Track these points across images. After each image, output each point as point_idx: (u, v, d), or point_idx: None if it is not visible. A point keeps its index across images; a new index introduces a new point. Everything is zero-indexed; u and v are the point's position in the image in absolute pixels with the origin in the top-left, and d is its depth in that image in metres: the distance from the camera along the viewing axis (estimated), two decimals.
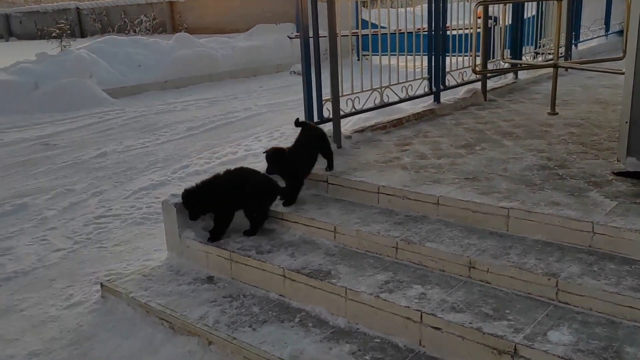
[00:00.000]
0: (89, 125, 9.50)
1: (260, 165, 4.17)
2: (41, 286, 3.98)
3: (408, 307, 2.73)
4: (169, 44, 14.85)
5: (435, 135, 5.11)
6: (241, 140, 8.26)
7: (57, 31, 13.54)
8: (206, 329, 2.98)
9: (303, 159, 3.98)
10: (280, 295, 3.27)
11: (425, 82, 5.98)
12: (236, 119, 9.80)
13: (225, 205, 3.67)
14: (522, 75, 7.75)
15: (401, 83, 5.66)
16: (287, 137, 8.37)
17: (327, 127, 4.89)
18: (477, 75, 6.71)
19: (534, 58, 8.22)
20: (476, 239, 3.19)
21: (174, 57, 14.07)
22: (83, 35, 27.22)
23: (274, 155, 3.84)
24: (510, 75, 7.65)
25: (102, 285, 3.60)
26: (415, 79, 5.85)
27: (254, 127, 9.20)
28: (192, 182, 4.65)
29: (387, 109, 5.76)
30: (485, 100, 6.57)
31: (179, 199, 3.78)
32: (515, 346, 2.39)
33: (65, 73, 11.66)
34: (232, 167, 3.90)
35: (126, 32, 24.51)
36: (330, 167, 4.12)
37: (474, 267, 2.96)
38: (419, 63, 6.16)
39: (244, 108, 10.69)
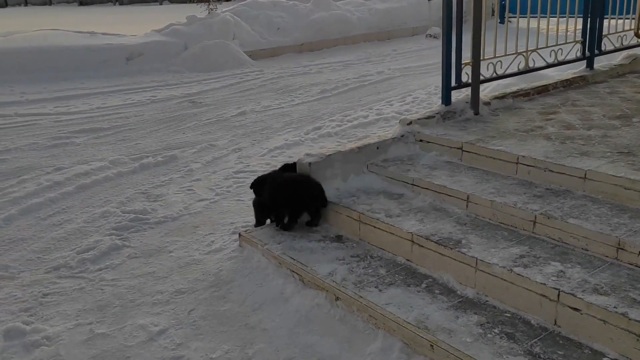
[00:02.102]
0: (231, 85, 10.03)
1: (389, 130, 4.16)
2: (187, 231, 4.35)
3: (544, 284, 2.59)
4: (307, 6, 15.06)
5: (586, 104, 4.70)
6: (373, 104, 8.24)
7: None
8: (334, 285, 3.08)
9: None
10: (407, 259, 3.27)
11: (578, 47, 5.48)
12: (369, 82, 9.78)
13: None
14: None
15: (550, 47, 5.24)
16: (419, 102, 8.21)
17: (466, 92, 4.72)
18: (639, 40, 6.04)
19: None
20: (627, 218, 2.92)
21: (310, 19, 14.27)
22: None
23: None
24: None
25: (239, 235, 3.85)
26: (566, 42, 5.38)
27: (386, 91, 9.13)
28: (323, 144, 4.74)
29: (531, 75, 5.42)
30: None
31: (312, 159, 3.89)
32: None
33: (211, 35, 12.35)
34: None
35: None
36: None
37: (622, 249, 2.72)
38: (572, 27, 5.66)
39: (377, 72, 10.62)
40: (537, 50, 5.14)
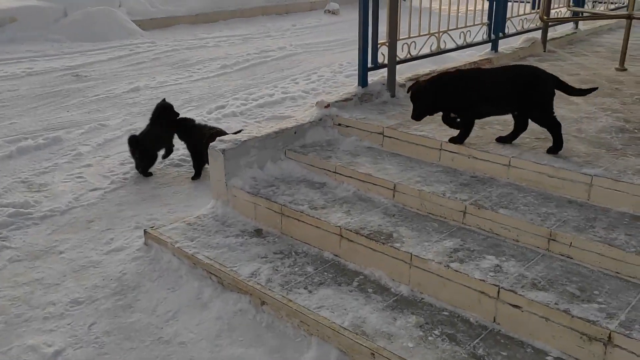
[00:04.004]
0: (120, 57, 9.20)
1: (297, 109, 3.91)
2: (79, 227, 3.82)
3: (483, 280, 2.49)
4: None
5: None
6: (277, 82, 7.92)
7: None
8: (259, 287, 2.80)
9: None
10: (335, 255, 3.06)
11: (484, 29, 5.53)
12: (270, 58, 9.41)
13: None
14: (582, 26, 7.19)
15: (460, 28, 5.23)
16: (325, 80, 8.01)
17: (381, 74, 4.56)
18: (538, 24, 6.23)
19: (593, 7, 7.64)
20: (554, 207, 2.91)
21: None
22: None
23: None
24: (570, 25, 7.11)
25: (145, 232, 3.43)
26: (474, 24, 5.40)
27: (289, 69, 8.82)
28: (228, 124, 4.27)
29: (439, 57, 5.37)
30: (545, 51, 6.10)
31: (226, 145, 3.53)
32: (610, 334, 2.15)
33: (93, 0, 11.25)
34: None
35: None
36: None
37: (554, 240, 2.69)
38: (473, 7, 5.70)
39: (278, 47, 10.27)
40: (449, 32, 5.09)
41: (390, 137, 3.76)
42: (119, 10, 11.43)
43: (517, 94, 3.21)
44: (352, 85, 5.96)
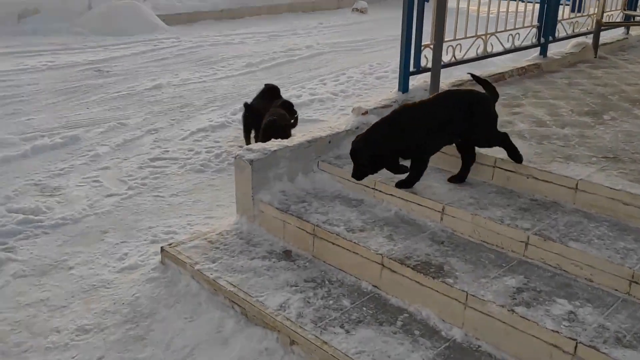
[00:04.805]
0: (143, 52, 8.93)
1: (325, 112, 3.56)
2: (92, 239, 3.51)
3: (557, 331, 2.10)
4: None
5: (548, 97, 4.32)
6: (305, 82, 7.56)
7: None
8: (288, 324, 2.44)
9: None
10: (375, 286, 2.69)
11: (534, 32, 5.10)
12: (297, 57, 9.06)
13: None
14: (632, 31, 6.70)
15: (508, 30, 4.81)
16: (354, 82, 7.63)
17: (422, 79, 4.18)
18: (588, 27, 5.78)
19: None
20: (633, 241, 2.50)
21: None
22: None
23: None
24: (619, 31, 6.62)
25: (162, 249, 3.09)
26: (524, 27, 4.98)
27: (317, 68, 8.46)
28: None
29: (481, 62, 4.94)
30: (596, 57, 5.65)
31: (254, 155, 3.19)
32: None
33: None
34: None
35: None
36: None
37: (636, 283, 2.29)
38: (523, 8, 5.28)
39: (305, 46, 9.91)
40: (496, 34, 4.68)
41: None
42: (144, 4, 11.19)
43: (462, 119, 2.94)
44: (384, 89, 5.59)
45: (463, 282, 2.41)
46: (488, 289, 2.36)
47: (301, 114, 6.21)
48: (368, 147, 2.91)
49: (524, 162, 3.02)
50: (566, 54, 5.45)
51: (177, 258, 2.97)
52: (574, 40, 5.67)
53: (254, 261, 2.92)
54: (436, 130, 2.94)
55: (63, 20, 10.22)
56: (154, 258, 3.18)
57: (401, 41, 3.90)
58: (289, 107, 5.05)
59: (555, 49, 5.51)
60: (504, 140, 3.04)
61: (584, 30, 5.73)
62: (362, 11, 14.18)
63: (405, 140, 2.91)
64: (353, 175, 3.01)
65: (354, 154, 2.96)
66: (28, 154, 4.84)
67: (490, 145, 3.07)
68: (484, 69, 5.00)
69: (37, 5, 10.23)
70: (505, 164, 3.08)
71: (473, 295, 2.32)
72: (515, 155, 3.03)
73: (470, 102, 2.98)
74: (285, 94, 6.90)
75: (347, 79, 7.77)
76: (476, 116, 2.96)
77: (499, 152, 3.15)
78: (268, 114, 4.73)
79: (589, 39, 5.71)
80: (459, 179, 3.12)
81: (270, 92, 5.39)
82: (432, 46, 4.00)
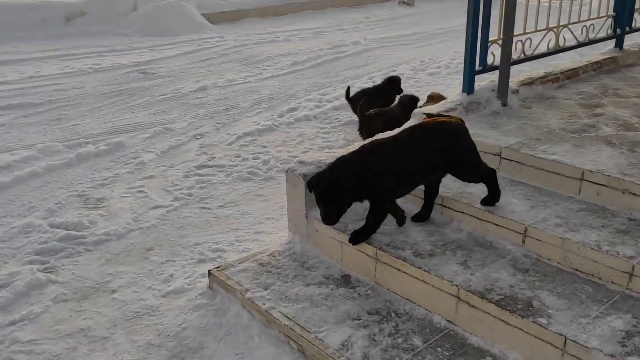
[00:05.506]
0: (188, 53, 8.78)
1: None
2: (136, 257, 3.30)
3: None
4: None
5: (631, 94, 3.87)
6: (353, 81, 7.22)
7: None
8: None
9: None
10: (449, 321, 2.36)
11: (609, 22, 4.61)
12: (344, 54, 8.73)
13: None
14: None
15: (582, 21, 4.35)
16: (406, 79, 7.24)
17: (488, 78, 3.79)
18: None
19: None
20: None
21: None
22: None
23: None
24: None
25: (210, 273, 2.84)
26: (599, 17, 4.50)
27: (365, 65, 8.12)
28: (301, 129, 3.68)
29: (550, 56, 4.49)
30: None
31: (307, 168, 2.89)
32: None
33: None
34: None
35: None
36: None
37: None
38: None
39: (352, 42, 9.56)
40: (569, 26, 4.23)
41: (509, 159, 3.01)
42: (188, 3, 11.07)
43: (441, 157, 2.54)
44: (437, 86, 5.21)
45: (558, 323, 2.05)
46: (590, 332, 1.99)
47: (350, 115, 5.90)
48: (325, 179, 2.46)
49: (618, 175, 2.62)
50: None
51: (226, 284, 2.71)
52: None
53: (309, 288, 2.63)
54: (408, 173, 2.55)
55: (109, 22, 10.21)
56: (201, 281, 2.94)
57: (466, 36, 3.53)
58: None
59: (629, 41, 4.99)
60: (487, 176, 2.64)
61: None
62: (409, 3, 13.69)
63: (369, 185, 2.46)
64: (325, 221, 2.48)
65: (325, 191, 2.46)
66: (72, 162, 4.71)
67: (477, 179, 2.67)
68: (552, 63, 4.56)
69: (84, 8, 10.24)
70: (594, 177, 2.68)
71: (573, 341, 1.96)
72: (494, 197, 2.64)
73: (449, 135, 2.58)
74: (332, 94, 6.63)
75: (400, 75, 7.37)
76: (456, 150, 2.57)
77: (586, 163, 2.76)
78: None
79: None
80: (422, 215, 2.74)
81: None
82: (500, 42, 3.61)
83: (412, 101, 4.81)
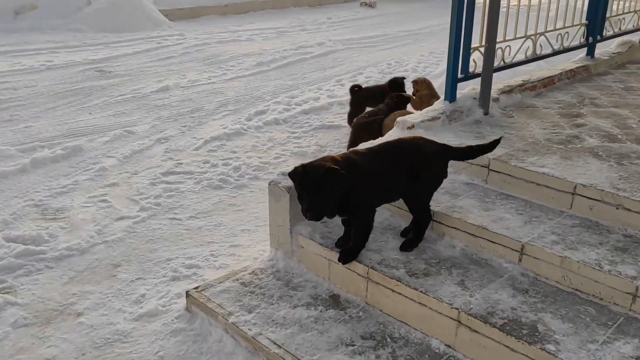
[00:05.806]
0: (147, 51, 8.44)
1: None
2: (103, 274, 3.05)
3: None
4: None
5: (608, 104, 3.87)
6: (321, 83, 7.10)
7: None
8: None
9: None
10: (448, 345, 2.24)
11: (582, 30, 4.64)
12: (310, 55, 8.59)
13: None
14: None
15: (558, 29, 4.35)
16: (374, 81, 7.15)
17: (470, 85, 3.72)
18: (635, 24, 5.33)
19: None
20: None
21: None
22: None
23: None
24: None
25: (187, 294, 2.64)
26: (573, 25, 4.51)
27: (332, 67, 7.99)
28: (271, 134, 3.56)
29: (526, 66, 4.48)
30: None
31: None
32: None
33: None
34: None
35: None
36: None
37: None
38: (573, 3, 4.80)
39: (316, 43, 9.44)
40: (546, 34, 4.22)
41: (498, 171, 2.93)
42: None
43: (406, 176, 2.48)
44: (407, 89, 5.21)
45: (567, 350, 1.96)
46: (601, 359, 1.91)
47: (321, 119, 5.77)
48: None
49: (611, 190, 2.57)
50: (613, 54, 5.00)
51: (206, 306, 2.51)
52: (618, 39, 5.21)
53: (297, 310, 2.47)
54: (387, 186, 2.47)
55: (61, 16, 9.73)
56: (177, 302, 2.73)
57: (449, 43, 3.44)
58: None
59: (599, 49, 5.05)
60: (423, 215, 2.57)
61: (630, 27, 5.27)
62: (371, 5, 13.67)
63: (353, 189, 2.33)
64: (309, 215, 2.25)
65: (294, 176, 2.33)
66: (27, 168, 4.38)
67: (418, 210, 2.58)
68: (523, 69, 4.55)
69: (34, 1, 9.71)
70: (587, 191, 2.63)
71: None
72: (415, 243, 2.58)
73: (418, 157, 2.50)
74: (301, 97, 6.47)
75: (366, 78, 7.30)
76: (423, 174, 2.49)
77: (577, 177, 2.71)
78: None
79: (634, 37, 5.26)
80: (412, 243, 2.60)
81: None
82: (482, 49, 3.55)
83: (399, 104, 4.74)
